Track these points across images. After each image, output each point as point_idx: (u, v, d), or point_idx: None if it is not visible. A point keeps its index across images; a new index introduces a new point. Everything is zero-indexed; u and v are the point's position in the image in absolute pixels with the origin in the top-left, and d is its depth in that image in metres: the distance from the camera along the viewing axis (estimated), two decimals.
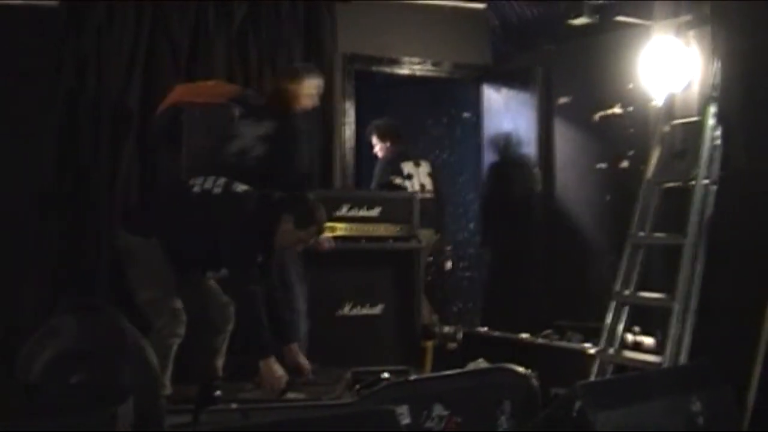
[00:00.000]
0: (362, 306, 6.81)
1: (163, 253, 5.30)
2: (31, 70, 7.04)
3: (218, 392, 5.45)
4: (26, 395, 3.51)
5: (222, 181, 5.49)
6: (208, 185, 5.44)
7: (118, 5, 7.11)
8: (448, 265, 8.23)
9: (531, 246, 8.02)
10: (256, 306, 5.28)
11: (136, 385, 3.82)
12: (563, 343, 6.51)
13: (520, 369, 4.61)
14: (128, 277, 5.38)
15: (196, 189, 5.43)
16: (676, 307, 5.60)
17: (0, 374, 4.27)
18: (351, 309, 6.78)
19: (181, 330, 5.36)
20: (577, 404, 3.92)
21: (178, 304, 5.35)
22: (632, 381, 4.66)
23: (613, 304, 6.07)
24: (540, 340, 6.49)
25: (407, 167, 7.70)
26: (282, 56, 7.58)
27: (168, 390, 5.20)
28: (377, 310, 6.84)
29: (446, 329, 6.86)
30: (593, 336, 6.27)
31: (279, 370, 5.27)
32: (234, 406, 4.87)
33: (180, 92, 6.70)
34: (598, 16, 6.84)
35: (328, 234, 6.25)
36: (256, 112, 6.35)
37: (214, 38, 7.33)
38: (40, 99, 6.87)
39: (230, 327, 5.65)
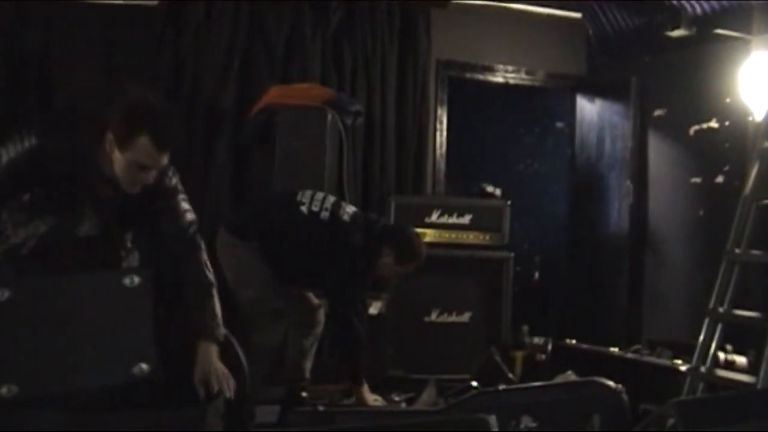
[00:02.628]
0: (450, 313, 6.79)
1: (262, 258, 5.34)
2: (128, 70, 7.14)
3: (305, 393, 5.48)
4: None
5: (329, 203, 5.47)
6: (315, 207, 5.41)
7: (216, 6, 7.18)
8: (536, 275, 8.17)
9: (621, 259, 7.92)
10: (356, 336, 5.30)
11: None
12: (653, 359, 6.39)
13: (611, 383, 4.54)
14: (228, 277, 5.41)
15: (304, 209, 5.40)
16: None
17: None
18: (438, 316, 6.76)
19: (281, 330, 5.44)
20: (670, 422, 3.85)
21: (278, 303, 5.40)
22: (728, 400, 4.55)
23: (706, 321, 5.94)
24: (630, 355, 6.38)
25: None
26: (376, 61, 7.59)
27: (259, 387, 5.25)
28: (465, 317, 6.81)
29: (536, 340, 6.80)
30: (684, 353, 6.14)
31: (371, 399, 5.29)
32: (321, 408, 4.86)
33: (274, 94, 6.74)
34: (695, 29, 6.74)
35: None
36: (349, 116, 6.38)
37: (310, 41, 7.35)
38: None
39: (320, 330, 5.65)
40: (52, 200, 3.75)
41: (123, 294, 3.45)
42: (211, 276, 3.93)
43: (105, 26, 7.09)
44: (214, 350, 3.76)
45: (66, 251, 3.83)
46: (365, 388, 5.32)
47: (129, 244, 4.00)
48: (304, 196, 5.47)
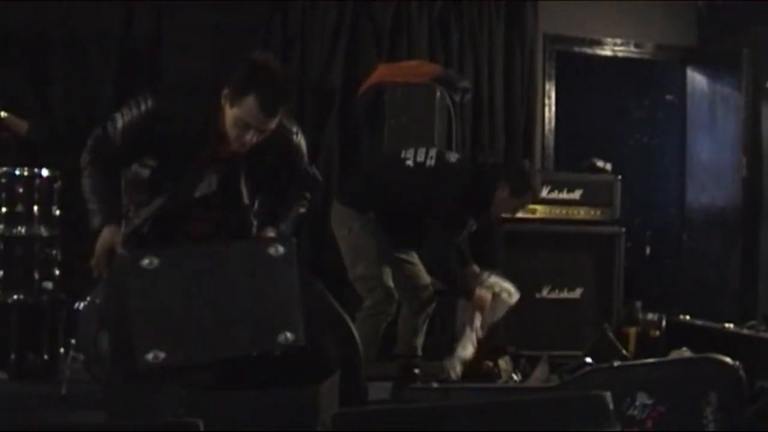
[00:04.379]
0: (561, 289, 6.76)
1: (378, 227, 5.37)
2: (237, 51, 7.22)
3: (417, 370, 5.51)
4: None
5: (434, 151, 5.48)
6: (420, 158, 5.41)
7: None
8: (647, 250, 8.08)
9: (735, 233, 7.79)
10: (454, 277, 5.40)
11: (341, 362, 3.86)
12: None
13: (728, 359, 4.46)
14: (342, 251, 5.48)
15: (409, 163, 5.40)
16: None
17: None
18: (550, 292, 6.74)
19: (392, 309, 5.44)
20: None
21: (391, 282, 5.41)
22: None
23: None
24: (746, 331, 6.27)
25: None
26: (483, 37, 7.56)
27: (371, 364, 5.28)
28: (576, 294, 6.78)
29: (649, 316, 6.72)
30: None
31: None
32: (435, 384, 4.88)
33: (382, 72, 6.77)
34: None
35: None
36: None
37: (416, 18, 7.37)
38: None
39: (431, 309, 5.66)
40: (170, 164, 3.84)
41: (268, 263, 3.54)
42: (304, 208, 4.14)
43: (213, 9, 7.19)
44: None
45: (184, 219, 3.92)
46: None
47: (247, 200, 4.07)
48: (408, 152, 5.46)
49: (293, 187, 4.11)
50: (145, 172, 3.90)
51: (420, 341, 5.67)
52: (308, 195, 4.16)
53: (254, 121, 3.67)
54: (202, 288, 3.43)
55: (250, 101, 3.61)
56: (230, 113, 3.67)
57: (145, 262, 3.34)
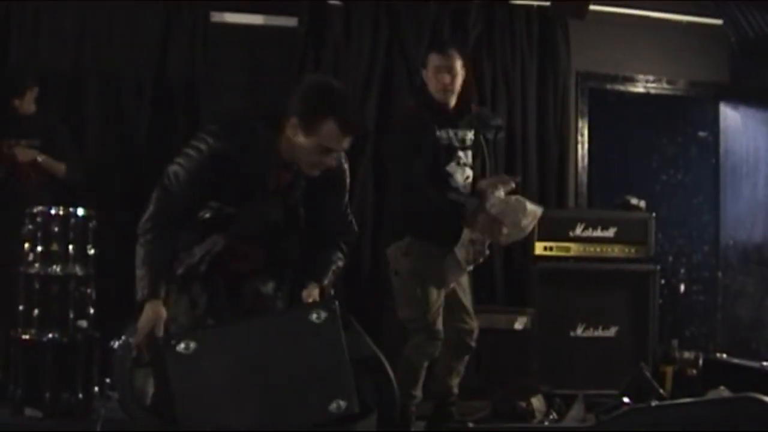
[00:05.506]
0: (595, 328, 6.72)
1: (420, 255, 5.38)
2: (270, 89, 7.28)
3: (453, 409, 5.48)
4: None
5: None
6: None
7: (355, 23, 7.29)
8: (682, 288, 8.03)
9: None
10: None
11: (378, 402, 3.84)
12: None
13: (767, 399, 4.41)
14: (392, 291, 5.53)
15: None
16: None
17: None
18: (584, 330, 6.70)
19: (435, 351, 5.42)
20: None
21: (439, 324, 5.40)
22: None
23: None
24: None
25: None
26: (516, 74, 7.58)
27: (417, 400, 5.29)
28: (611, 332, 6.73)
29: (686, 355, 6.67)
30: None
31: None
32: (470, 425, 4.86)
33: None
34: None
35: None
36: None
37: None
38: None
39: (471, 351, 5.63)
40: (232, 200, 3.78)
41: (312, 330, 3.47)
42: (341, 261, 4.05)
43: (247, 48, 7.26)
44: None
45: (231, 256, 3.90)
46: None
47: (304, 224, 4.01)
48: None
49: (335, 227, 4.06)
50: (206, 214, 3.85)
51: (456, 381, 5.64)
52: (345, 248, 4.10)
53: (336, 144, 3.63)
54: (245, 367, 3.38)
55: (329, 126, 3.57)
56: (306, 141, 3.61)
57: (182, 347, 3.33)
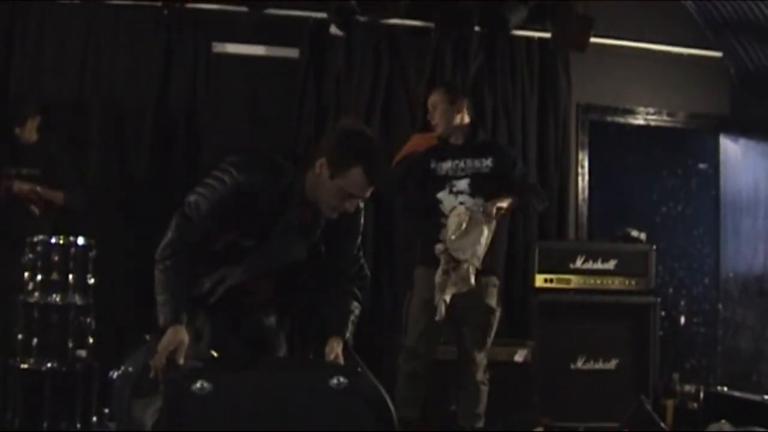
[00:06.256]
0: (596, 360, 6.70)
1: (424, 280, 5.63)
2: (271, 119, 7.29)
3: None
4: None
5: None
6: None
7: (356, 53, 7.31)
8: (682, 320, 8.01)
9: None
10: None
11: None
12: None
13: None
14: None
15: None
16: None
17: None
18: (584, 363, 6.68)
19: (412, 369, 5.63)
20: None
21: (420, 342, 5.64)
22: None
23: None
24: None
25: None
26: (517, 106, 7.59)
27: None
28: (611, 364, 6.72)
29: (687, 388, 6.65)
30: None
31: None
32: None
33: (416, 141, 6.75)
34: None
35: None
36: None
37: None
38: (281, 148, 7.06)
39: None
40: (251, 235, 3.76)
41: (329, 395, 3.37)
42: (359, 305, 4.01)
43: (248, 78, 7.28)
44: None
45: (255, 286, 3.88)
46: None
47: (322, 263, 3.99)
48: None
49: (348, 268, 4.03)
50: (218, 244, 3.83)
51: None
52: (359, 294, 4.06)
53: (359, 191, 3.63)
54: (260, 422, 3.30)
55: (356, 173, 3.57)
56: (331, 184, 3.61)
57: (197, 386, 3.25)
